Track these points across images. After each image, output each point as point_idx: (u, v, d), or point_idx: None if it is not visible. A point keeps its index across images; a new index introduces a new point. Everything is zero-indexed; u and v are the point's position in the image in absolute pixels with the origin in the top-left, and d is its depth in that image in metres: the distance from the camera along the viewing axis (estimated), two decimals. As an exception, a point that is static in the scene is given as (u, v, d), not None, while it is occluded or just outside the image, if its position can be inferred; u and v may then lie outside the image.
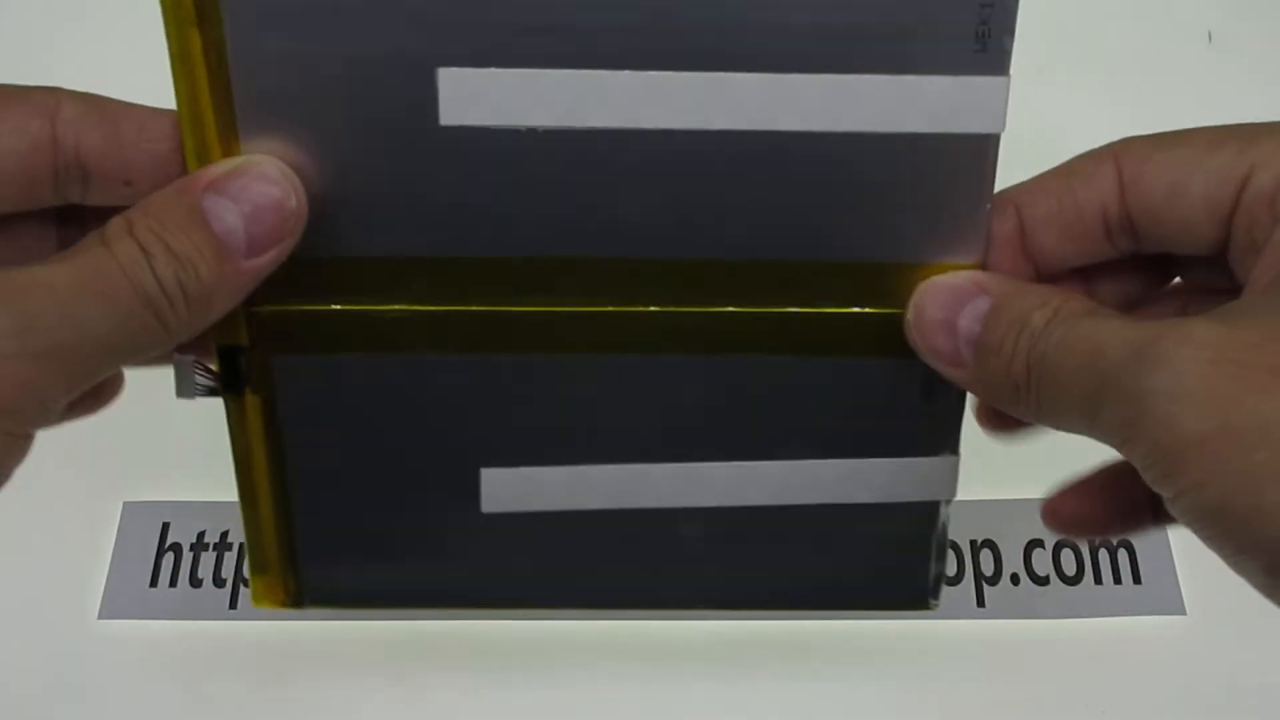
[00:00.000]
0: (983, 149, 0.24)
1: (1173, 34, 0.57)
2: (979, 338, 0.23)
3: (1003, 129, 0.24)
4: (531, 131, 0.23)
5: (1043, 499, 0.27)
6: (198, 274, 0.22)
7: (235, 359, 0.26)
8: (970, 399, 0.27)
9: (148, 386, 0.27)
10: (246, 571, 0.29)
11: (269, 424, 0.27)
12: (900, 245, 0.25)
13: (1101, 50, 0.57)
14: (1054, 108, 0.55)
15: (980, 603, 0.43)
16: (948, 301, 0.24)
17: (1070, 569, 0.44)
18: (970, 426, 0.28)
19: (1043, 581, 0.44)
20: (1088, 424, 0.21)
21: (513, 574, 0.29)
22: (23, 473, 0.22)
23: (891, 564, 0.29)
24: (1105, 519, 0.25)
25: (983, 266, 0.25)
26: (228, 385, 0.26)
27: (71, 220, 0.25)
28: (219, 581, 0.44)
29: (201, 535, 0.45)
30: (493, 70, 0.23)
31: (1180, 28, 0.57)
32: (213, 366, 0.26)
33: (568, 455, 0.27)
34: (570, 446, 0.27)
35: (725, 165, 0.24)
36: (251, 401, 0.27)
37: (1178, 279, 0.27)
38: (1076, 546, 0.44)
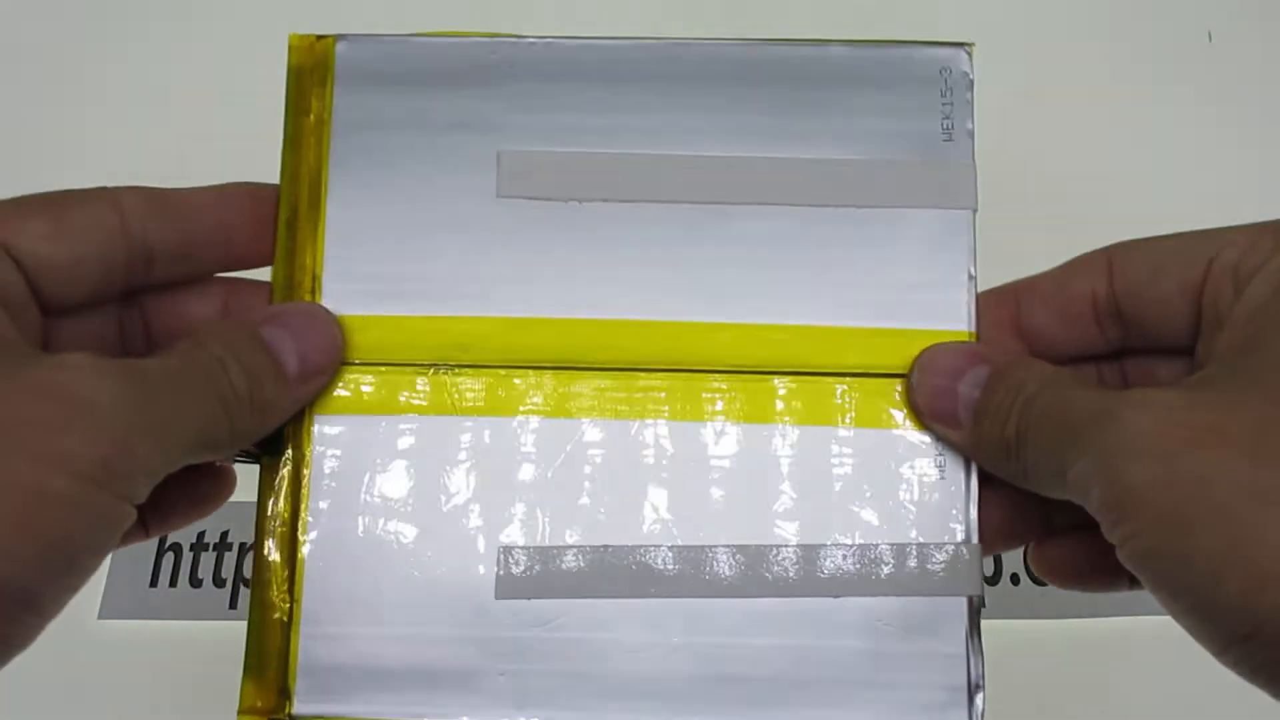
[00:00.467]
0: (958, 223, 0.27)
1: (1173, 34, 0.57)
2: (977, 402, 0.25)
3: (974, 206, 0.27)
4: (570, 204, 0.27)
5: (1033, 544, 0.28)
6: (262, 388, 0.25)
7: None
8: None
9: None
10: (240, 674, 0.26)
11: (295, 494, 0.27)
12: (893, 312, 0.27)
13: (1101, 50, 0.57)
14: (1054, 108, 0.55)
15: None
16: (950, 368, 0.26)
17: (1070, 569, 0.44)
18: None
19: (1043, 581, 0.44)
20: (1062, 483, 0.23)
21: (522, 680, 0.26)
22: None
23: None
24: (1086, 573, 0.27)
25: (975, 335, 0.27)
26: (266, 446, 0.27)
27: (131, 309, 0.27)
28: (219, 581, 0.44)
29: (201, 535, 0.45)
30: (542, 152, 0.28)
31: (1180, 28, 0.57)
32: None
33: (587, 533, 0.27)
34: (588, 522, 0.27)
35: (735, 233, 0.27)
36: (285, 467, 0.27)
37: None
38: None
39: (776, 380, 0.27)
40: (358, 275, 0.27)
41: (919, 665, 0.26)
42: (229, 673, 0.42)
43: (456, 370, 0.27)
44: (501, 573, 0.26)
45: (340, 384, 0.27)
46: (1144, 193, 0.52)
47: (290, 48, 0.28)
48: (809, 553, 0.26)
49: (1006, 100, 0.55)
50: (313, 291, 0.27)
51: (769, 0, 0.58)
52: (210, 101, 0.56)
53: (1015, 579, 0.44)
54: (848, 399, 0.27)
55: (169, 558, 0.44)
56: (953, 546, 0.26)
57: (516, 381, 0.27)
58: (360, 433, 0.27)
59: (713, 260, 0.27)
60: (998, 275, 0.29)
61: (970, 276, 0.27)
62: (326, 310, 0.27)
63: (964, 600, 0.26)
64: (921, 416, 0.27)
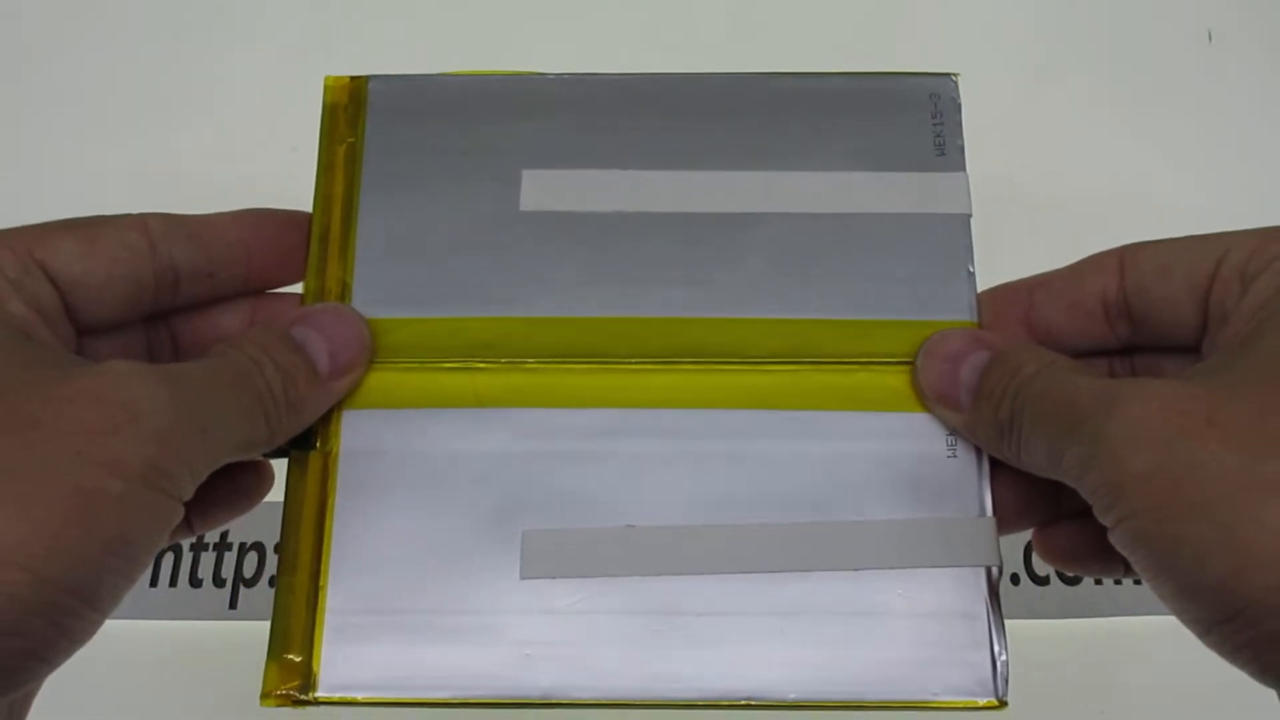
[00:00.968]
0: (956, 225, 0.29)
1: (1173, 34, 0.57)
2: (976, 385, 0.26)
3: (969, 211, 0.29)
4: (590, 215, 0.29)
5: (1036, 527, 0.28)
6: (296, 386, 0.26)
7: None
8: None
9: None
10: (265, 656, 0.27)
11: (324, 483, 0.28)
12: (900, 305, 0.29)
13: (1101, 50, 0.57)
14: (1054, 108, 0.55)
15: (980, 603, 0.43)
16: (953, 352, 0.27)
17: (1070, 569, 0.44)
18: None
19: (1043, 581, 0.44)
20: (1055, 465, 0.24)
21: (550, 656, 0.27)
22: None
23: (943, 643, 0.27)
24: (1085, 556, 0.28)
25: (977, 325, 0.28)
26: (299, 440, 0.27)
27: (158, 328, 0.28)
28: (219, 581, 0.44)
29: (201, 535, 0.45)
30: (561, 171, 0.30)
31: (1180, 28, 0.57)
32: None
33: (610, 517, 0.27)
34: (610, 508, 0.27)
35: (746, 238, 0.29)
36: (315, 459, 0.28)
37: None
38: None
39: (792, 368, 0.28)
40: (386, 283, 0.29)
41: (942, 633, 0.26)
42: (229, 672, 0.42)
43: (482, 366, 0.28)
44: (527, 554, 0.27)
45: (369, 381, 0.28)
46: (1144, 193, 0.52)
47: (326, 87, 0.31)
48: (829, 529, 0.27)
49: (1007, 100, 0.55)
50: (342, 298, 0.29)
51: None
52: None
53: (1015, 579, 0.44)
54: (861, 384, 0.28)
55: (169, 558, 0.44)
56: (968, 520, 0.27)
57: (540, 375, 0.28)
58: (388, 425, 0.28)
59: (726, 262, 0.29)
60: (998, 274, 0.29)
61: (969, 273, 0.29)
62: (354, 310, 0.28)
63: (982, 571, 0.27)
64: (926, 399, 0.28)
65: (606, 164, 0.30)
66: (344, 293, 0.29)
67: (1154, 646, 0.42)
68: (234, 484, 0.28)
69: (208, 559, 0.44)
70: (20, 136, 0.55)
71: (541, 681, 0.26)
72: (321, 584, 0.27)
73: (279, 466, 0.29)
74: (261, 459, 0.29)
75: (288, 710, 0.27)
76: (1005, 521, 0.27)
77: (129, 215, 0.27)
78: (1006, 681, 0.26)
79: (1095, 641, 0.42)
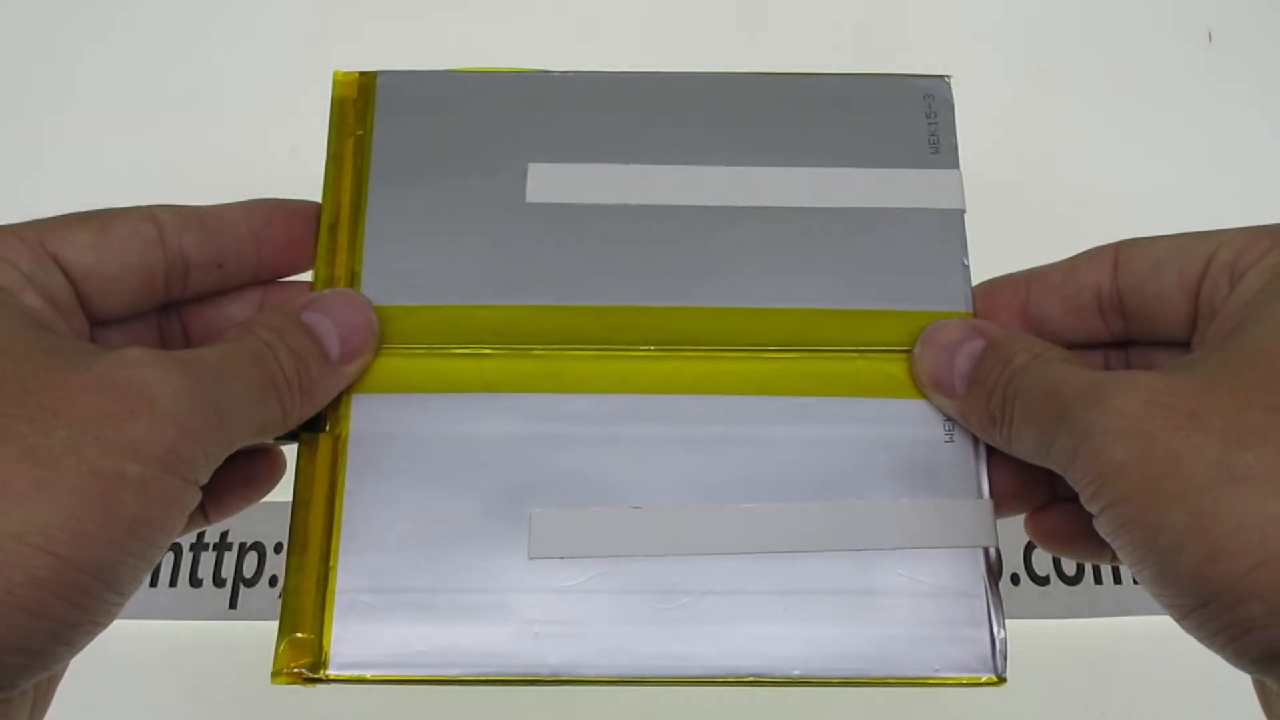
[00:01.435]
0: (950, 220, 0.30)
1: (1173, 34, 0.57)
2: (970, 373, 0.27)
3: (963, 206, 0.30)
4: (595, 207, 0.30)
5: (1029, 511, 0.29)
6: (309, 369, 0.26)
7: None
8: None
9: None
10: (276, 635, 0.27)
11: (334, 465, 0.28)
12: (898, 296, 0.29)
13: (1101, 50, 0.57)
14: (1054, 108, 0.55)
15: (980, 603, 0.43)
16: (949, 340, 0.28)
17: (1070, 569, 0.44)
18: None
19: (1043, 581, 0.44)
20: (1043, 452, 0.24)
21: (558, 634, 0.27)
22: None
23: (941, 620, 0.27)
24: (1076, 539, 0.28)
25: (973, 315, 0.29)
26: (309, 424, 0.28)
27: (170, 318, 0.29)
28: (219, 581, 0.44)
29: (201, 535, 0.45)
30: (566, 164, 0.30)
31: (1180, 28, 0.57)
32: None
33: (616, 499, 0.28)
34: (617, 490, 0.28)
35: (747, 231, 0.30)
36: (325, 441, 0.28)
37: None
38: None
39: (792, 355, 0.29)
40: (395, 271, 0.29)
41: (941, 612, 0.27)
42: (229, 672, 0.43)
43: (489, 353, 0.29)
44: (535, 534, 0.27)
45: (378, 366, 0.29)
46: (1144, 192, 0.52)
47: (335, 82, 0.31)
48: (831, 511, 0.27)
49: (1008, 100, 0.55)
50: (351, 285, 0.29)
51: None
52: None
53: (1015, 579, 0.44)
54: (860, 371, 0.29)
55: (169, 558, 0.44)
56: (966, 501, 0.28)
57: (547, 361, 0.29)
58: (397, 409, 0.28)
59: (727, 253, 0.30)
60: (998, 273, 0.29)
61: (964, 265, 0.30)
62: (363, 295, 0.29)
63: (980, 551, 0.27)
64: (922, 386, 0.28)
65: (610, 158, 0.30)
66: (353, 280, 0.29)
67: (1154, 646, 0.42)
68: (246, 472, 0.29)
69: (207, 559, 0.44)
70: (21, 136, 0.55)
71: (550, 659, 0.26)
72: (332, 563, 0.27)
73: (289, 456, 0.29)
74: (273, 445, 0.29)
75: (298, 689, 0.27)
76: (1002, 505, 0.28)
77: (139, 207, 0.27)
78: (1005, 658, 0.27)
79: (1095, 641, 0.42)
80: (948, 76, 0.31)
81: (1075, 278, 0.28)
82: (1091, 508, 0.23)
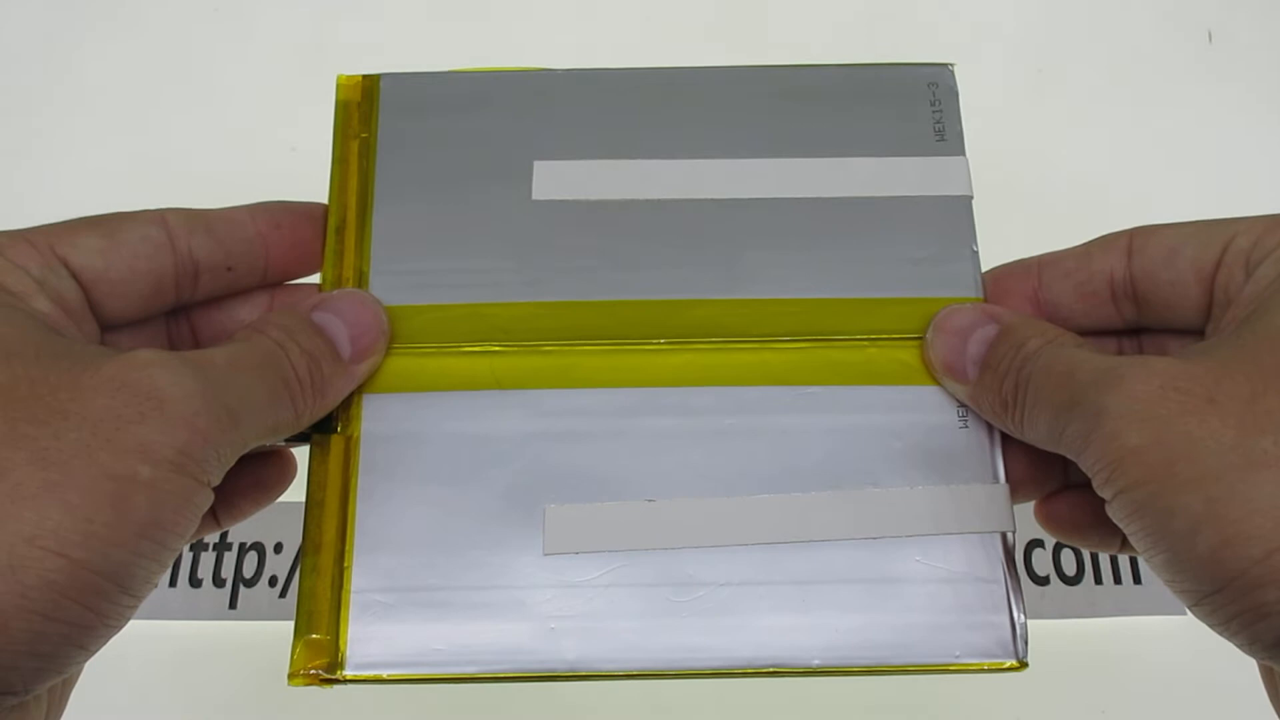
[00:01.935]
0: (958, 207, 0.30)
1: (1173, 34, 0.57)
2: (983, 357, 0.27)
3: (970, 193, 0.30)
4: (602, 203, 0.30)
5: (1039, 498, 0.29)
6: (321, 368, 0.26)
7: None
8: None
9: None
10: (292, 635, 0.27)
11: (346, 466, 0.28)
12: (909, 283, 0.29)
13: (1101, 50, 0.57)
14: (1054, 107, 0.55)
15: (980, 603, 0.43)
16: (961, 326, 0.28)
17: (1070, 569, 0.44)
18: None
19: (1043, 581, 0.44)
20: (1056, 437, 0.24)
21: (575, 629, 0.27)
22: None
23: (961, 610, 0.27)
24: (1085, 527, 0.28)
25: (983, 300, 0.29)
26: (320, 425, 0.28)
27: (179, 322, 0.29)
28: (219, 581, 0.44)
29: (201, 535, 0.45)
30: (572, 161, 0.30)
31: (1180, 28, 0.57)
32: None
33: (629, 494, 0.28)
34: (630, 484, 0.28)
35: (755, 222, 0.30)
36: (337, 442, 0.28)
37: None
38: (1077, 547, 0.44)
39: (804, 345, 0.29)
40: (403, 270, 0.29)
41: (960, 598, 0.27)
42: (229, 672, 0.43)
43: (499, 350, 0.29)
44: (550, 529, 0.27)
45: (388, 365, 0.29)
46: (1143, 193, 0.52)
47: (338, 85, 0.31)
48: (846, 499, 0.27)
49: (1008, 100, 0.55)
50: (359, 286, 0.29)
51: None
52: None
53: (1019, 575, 0.44)
54: (872, 359, 0.29)
55: (169, 558, 0.44)
56: (981, 487, 0.27)
57: (557, 358, 0.29)
58: (408, 408, 0.28)
59: (736, 246, 0.30)
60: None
61: (974, 251, 0.30)
62: (371, 295, 0.29)
63: (997, 536, 0.27)
64: (935, 372, 0.28)
65: (616, 154, 0.30)
66: (361, 281, 0.29)
67: (1154, 646, 0.42)
68: (257, 475, 0.29)
69: (207, 559, 0.44)
70: (21, 135, 0.55)
71: (567, 654, 0.26)
72: (346, 564, 0.27)
73: (300, 459, 0.29)
74: (284, 448, 0.29)
75: (315, 690, 0.27)
76: (1014, 491, 0.28)
77: (148, 210, 0.27)
78: (1026, 643, 0.26)
79: (1095, 641, 0.42)
80: (951, 64, 0.31)
81: (1089, 264, 0.28)
82: (1104, 493, 0.23)
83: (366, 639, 0.27)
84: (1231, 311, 0.25)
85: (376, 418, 0.28)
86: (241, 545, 0.45)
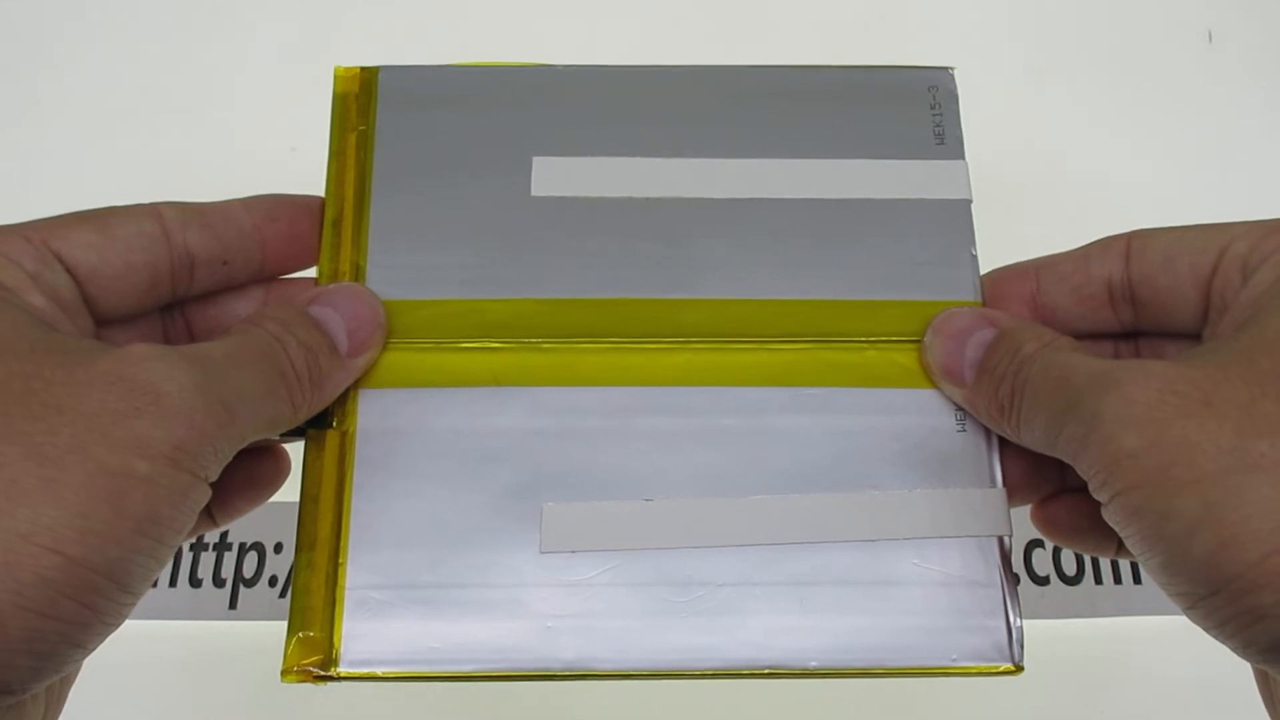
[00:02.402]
0: (957, 210, 0.30)
1: (1173, 34, 0.57)
2: (980, 361, 0.27)
3: (969, 197, 0.30)
4: (601, 200, 0.30)
5: (1035, 501, 0.29)
6: (318, 362, 0.26)
7: None
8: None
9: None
10: (286, 632, 0.27)
11: (341, 461, 0.28)
12: (907, 286, 0.29)
13: (1101, 50, 0.57)
14: (1054, 108, 0.55)
15: (980, 603, 0.43)
16: (959, 329, 0.28)
17: (1070, 569, 0.44)
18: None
19: (1043, 581, 0.44)
20: (1052, 441, 0.24)
21: (572, 628, 0.27)
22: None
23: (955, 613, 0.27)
24: (1082, 530, 0.28)
25: (981, 304, 0.29)
26: (316, 420, 0.28)
27: (174, 317, 0.29)
28: (219, 581, 0.44)
29: (201, 535, 0.45)
30: (571, 158, 0.30)
31: (1180, 28, 0.57)
32: None
33: (627, 493, 0.28)
34: (628, 483, 0.28)
35: (754, 223, 0.30)
36: (332, 437, 0.28)
37: None
38: (1076, 546, 0.44)
39: (802, 346, 0.29)
40: (400, 265, 0.29)
41: (957, 601, 0.27)
42: (229, 672, 0.43)
43: (497, 346, 0.29)
44: (547, 528, 0.27)
45: (384, 361, 0.28)
46: (1144, 193, 0.52)
47: (336, 77, 0.31)
48: (844, 501, 0.27)
49: (1009, 100, 0.55)
50: (356, 280, 0.29)
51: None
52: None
53: (1016, 579, 0.44)
54: (871, 361, 0.29)
55: (169, 558, 0.44)
56: (978, 491, 0.27)
57: (556, 355, 0.29)
58: (405, 404, 0.28)
59: (735, 246, 0.30)
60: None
61: (972, 255, 0.30)
62: (369, 289, 0.28)
63: (994, 540, 0.27)
64: (933, 375, 0.28)
65: (615, 152, 0.30)
66: (358, 275, 0.29)
67: (1154, 646, 0.42)
68: (252, 473, 0.28)
69: (207, 559, 0.44)
70: (20, 135, 0.55)
71: (564, 654, 0.26)
72: (341, 560, 0.27)
73: (295, 457, 0.29)
74: (278, 444, 0.29)
75: (304, 687, 0.27)
76: (1010, 495, 0.28)
77: (143, 205, 0.27)
78: (1022, 646, 0.26)
79: (1095, 641, 0.42)
80: (951, 68, 0.31)
81: (1086, 267, 0.28)
82: (1100, 496, 0.23)
83: (361, 636, 0.26)
84: (1228, 316, 0.25)
85: (372, 413, 0.28)
86: (241, 545, 0.45)
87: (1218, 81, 0.56)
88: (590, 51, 0.55)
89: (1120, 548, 0.27)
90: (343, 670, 0.26)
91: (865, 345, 0.29)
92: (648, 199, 0.30)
